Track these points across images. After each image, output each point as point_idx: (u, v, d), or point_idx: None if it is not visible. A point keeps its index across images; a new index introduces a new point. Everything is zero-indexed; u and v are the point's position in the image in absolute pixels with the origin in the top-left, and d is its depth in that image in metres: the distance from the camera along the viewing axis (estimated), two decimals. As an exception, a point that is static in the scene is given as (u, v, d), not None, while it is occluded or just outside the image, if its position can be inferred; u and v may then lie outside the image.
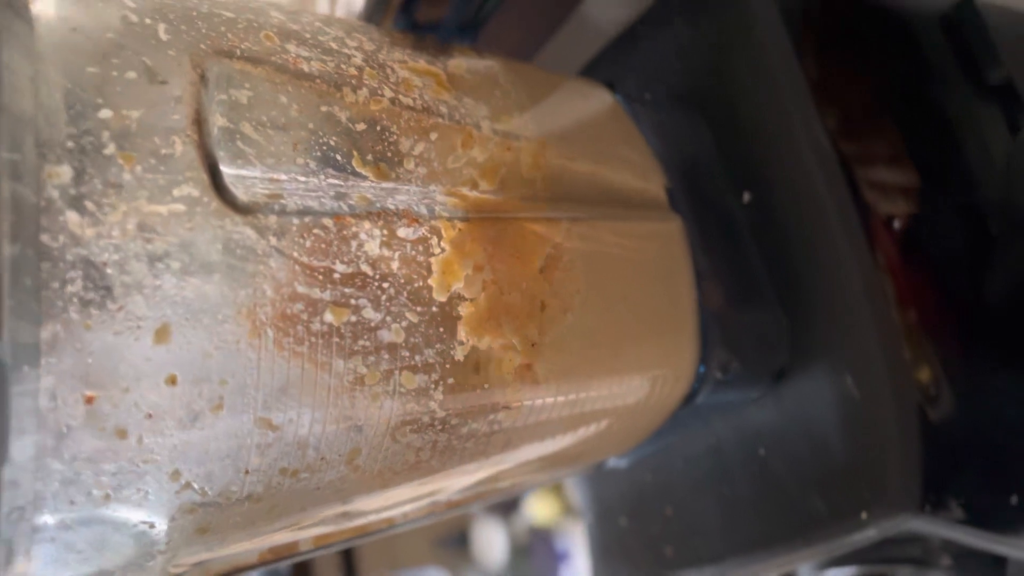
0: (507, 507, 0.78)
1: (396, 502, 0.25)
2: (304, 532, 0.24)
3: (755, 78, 0.31)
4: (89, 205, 0.17)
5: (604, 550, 0.37)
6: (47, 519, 0.18)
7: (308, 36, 0.23)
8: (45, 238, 0.17)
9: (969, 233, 0.32)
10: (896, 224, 0.32)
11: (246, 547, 0.23)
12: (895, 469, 0.26)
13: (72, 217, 0.17)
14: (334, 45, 0.23)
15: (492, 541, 0.81)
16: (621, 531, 0.36)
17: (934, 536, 0.30)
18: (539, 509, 0.75)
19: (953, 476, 0.27)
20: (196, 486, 0.20)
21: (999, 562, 0.31)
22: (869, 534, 0.27)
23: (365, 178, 0.22)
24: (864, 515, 0.27)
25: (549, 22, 0.38)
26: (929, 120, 0.36)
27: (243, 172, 0.20)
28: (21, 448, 0.16)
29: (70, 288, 0.17)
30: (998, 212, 0.33)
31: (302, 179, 0.21)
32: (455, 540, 1.01)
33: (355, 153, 0.22)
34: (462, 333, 0.22)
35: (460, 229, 0.23)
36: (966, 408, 0.28)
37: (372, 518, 0.25)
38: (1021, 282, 0.31)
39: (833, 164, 0.30)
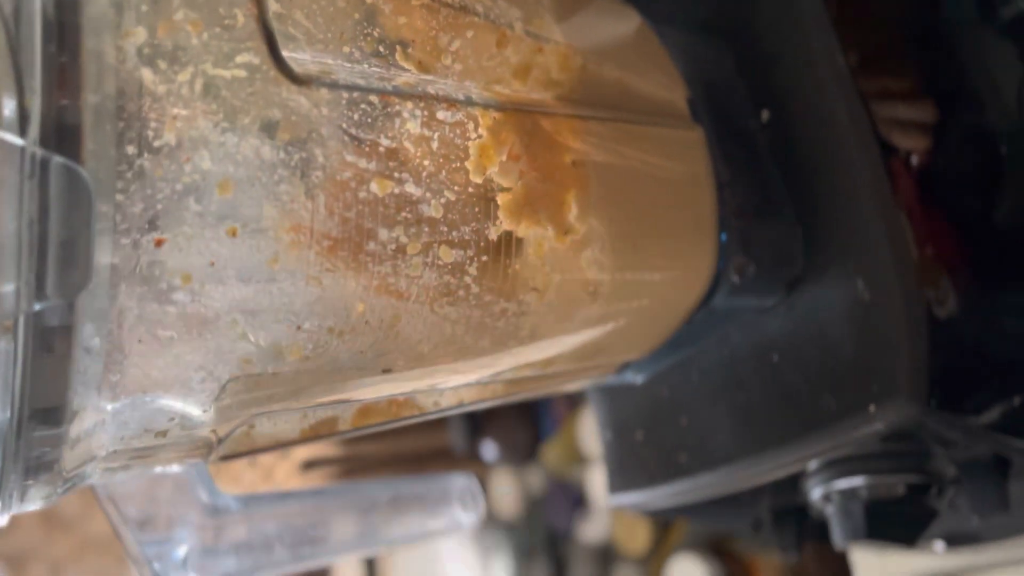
0: (522, 458, 0.80)
1: (432, 378, 0.26)
2: (347, 396, 0.25)
3: (778, 9, 0.33)
4: (161, 64, 0.19)
5: (620, 463, 0.39)
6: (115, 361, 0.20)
7: (354, -65, 0.25)
8: (122, 91, 0.18)
9: (981, 156, 0.34)
10: (912, 158, 0.33)
11: (293, 407, 0.24)
12: (902, 363, 0.28)
13: (146, 74, 0.19)
14: (378, -56, 0.25)
15: (507, 491, 0.82)
16: (637, 444, 0.38)
17: (939, 440, 0.31)
18: (553, 458, 0.76)
19: (958, 375, 0.29)
20: (252, 337, 0.21)
21: (1003, 471, 0.33)
22: (877, 427, 0.28)
23: (406, 70, 0.24)
24: (872, 408, 0.28)
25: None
26: (944, 56, 0.37)
27: (294, 55, 0.22)
28: (100, 275, 0.18)
29: (144, 139, 0.19)
30: (1008, 138, 0.34)
31: (348, 65, 0.23)
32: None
33: (397, 46, 0.24)
34: (501, 218, 0.24)
35: (496, 118, 0.24)
36: (970, 315, 0.30)
37: (408, 391, 0.27)
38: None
39: (852, 91, 0.31)
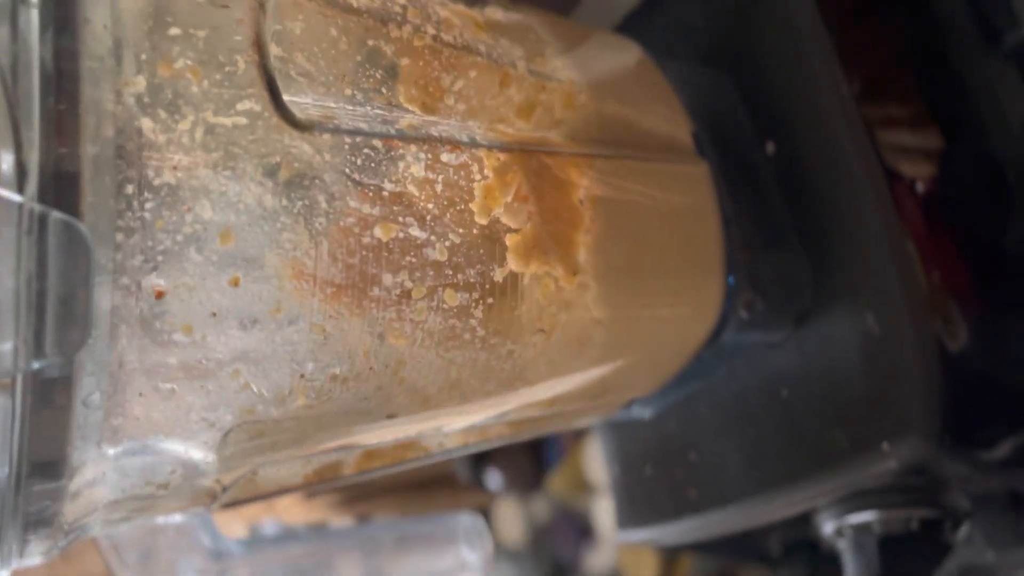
0: (527, 486, 0.79)
1: (437, 421, 0.26)
2: (351, 442, 0.25)
3: (781, 39, 0.32)
4: (161, 113, 0.19)
5: (628, 498, 0.38)
6: (114, 412, 0.19)
7: (355, -25, 0.24)
8: (122, 141, 0.18)
9: (987, 183, 0.33)
10: (918, 185, 0.33)
11: (296, 455, 0.24)
12: (915, 400, 0.27)
13: (146, 123, 0.18)
14: (379, -15, 0.25)
15: (512, 520, 0.82)
16: (646, 479, 0.37)
17: (953, 475, 0.31)
18: (559, 487, 0.76)
19: (971, 409, 0.28)
20: (254, 387, 0.21)
21: (1018, 505, 0.32)
22: (890, 464, 0.28)
23: (408, 111, 0.24)
24: (885, 445, 0.28)
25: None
26: (948, 83, 0.37)
27: (296, 99, 0.22)
28: (100, 328, 0.18)
29: (144, 189, 0.18)
30: (1015, 165, 0.34)
31: (350, 108, 0.23)
32: (475, 522, 1.02)
33: (399, 87, 0.24)
34: (510, 260, 0.23)
35: (501, 159, 0.24)
36: (981, 347, 0.29)
37: (413, 436, 0.26)
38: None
39: (857, 122, 0.31)
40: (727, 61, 0.34)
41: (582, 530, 0.74)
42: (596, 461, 0.68)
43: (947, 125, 0.35)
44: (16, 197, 0.16)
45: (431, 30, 0.25)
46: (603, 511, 0.70)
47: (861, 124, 0.31)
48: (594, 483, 0.70)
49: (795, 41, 0.31)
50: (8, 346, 0.16)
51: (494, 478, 0.79)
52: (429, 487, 0.88)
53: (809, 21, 0.32)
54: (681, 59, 0.34)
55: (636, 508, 0.38)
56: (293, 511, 0.88)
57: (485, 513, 0.93)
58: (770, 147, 0.32)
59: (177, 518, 0.30)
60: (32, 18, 0.17)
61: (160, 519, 0.26)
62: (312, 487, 0.27)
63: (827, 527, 0.35)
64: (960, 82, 0.36)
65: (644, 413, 0.36)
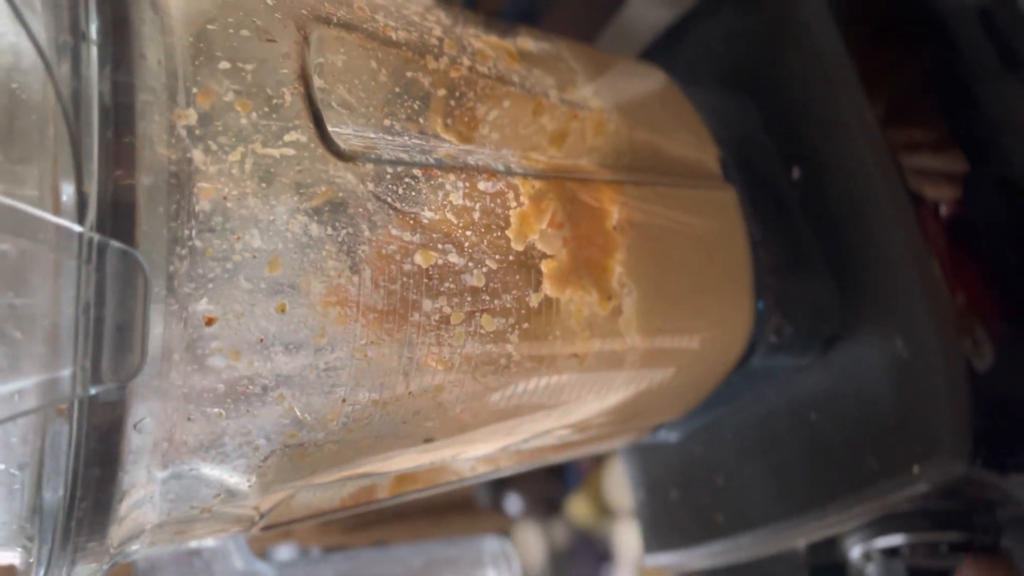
0: (546, 511, 0.79)
1: (472, 444, 0.26)
2: (388, 467, 0.25)
3: (805, 66, 0.33)
4: (212, 145, 0.19)
5: (655, 523, 0.38)
6: (164, 436, 0.20)
7: (393, 9, 0.25)
8: (174, 171, 0.19)
9: (1010, 206, 0.34)
10: (941, 208, 0.33)
11: (335, 478, 0.24)
12: (945, 422, 0.27)
13: (197, 155, 0.19)
14: (416, 18, 0.25)
15: (531, 545, 0.81)
16: (671, 503, 0.37)
17: (983, 498, 0.31)
18: (578, 512, 0.76)
19: (1001, 431, 0.28)
20: (298, 412, 0.21)
21: (1047, 528, 0.32)
22: (920, 488, 0.28)
23: (445, 140, 0.24)
24: (916, 469, 0.28)
25: (601, 15, 0.40)
26: (969, 108, 0.37)
27: (338, 130, 0.22)
28: (152, 354, 0.18)
29: (195, 218, 0.19)
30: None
31: (389, 138, 0.23)
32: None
33: (437, 118, 0.24)
34: (546, 286, 0.24)
35: (536, 187, 0.24)
36: (1008, 367, 0.29)
37: (447, 459, 0.27)
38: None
39: (882, 147, 0.31)
40: (750, 87, 0.34)
41: (602, 555, 0.73)
42: (616, 485, 0.68)
43: (969, 149, 0.36)
44: (77, 227, 0.17)
45: (467, 61, 0.25)
46: (624, 536, 0.70)
47: (886, 149, 0.31)
48: (614, 507, 0.70)
49: (819, 66, 0.32)
50: (67, 372, 0.17)
51: (514, 502, 0.79)
52: (445, 512, 0.88)
53: (832, 47, 0.32)
54: (705, 85, 0.35)
55: (662, 532, 0.38)
56: (310, 535, 0.88)
57: (506, 537, 0.93)
58: (795, 172, 0.33)
59: (210, 542, 0.30)
60: (92, 54, 0.18)
61: (196, 543, 0.26)
62: (347, 510, 0.27)
63: (854, 551, 0.35)
64: (980, 107, 0.37)
65: (670, 437, 0.37)
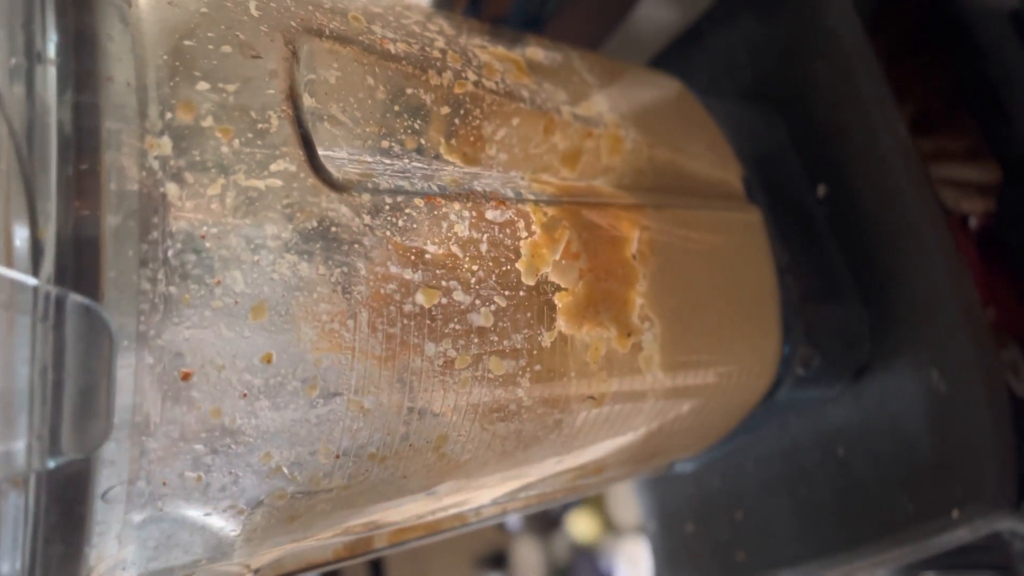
0: (547, 525, 0.77)
1: (478, 493, 0.24)
2: (386, 518, 0.23)
3: (833, 77, 0.31)
4: (188, 177, 0.17)
5: (670, 557, 0.36)
6: (136, 505, 0.18)
7: (392, 19, 0.23)
8: (145, 209, 0.16)
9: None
10: (972, 220, 0.31)
11: (329, 536, 0.22)
12: (989, 466, 0.25)
13: (172, 189, 0.17)
14: (417, 28, 0.23)
15: (531, 560, 0.79)
16: (687, 537, 0.35)
17: (1017, 541, 0.29)
18: (580, 527, 0.73)
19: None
20: (286, 471, 0.19)
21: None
22: (960, 534, 0.26)
23: (449, 163, 0.22)
24: (955, 513, 0.26)
25: (609, 19, 0.37)
26: (1001, 118, 0.35)
27: (331, 154, 0.20)
28: (122, 418, 0.16)
29: (169, 261, 0.17)
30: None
31: (387, 162, 0.21)
32: (493, 559, 1.00)
33: (440, 138, 0.22)
34: (561, 323, 0.22)
35: (549, 214, 0.22)
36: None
37: (451, 510, 0.25)
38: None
39: (915, 162, 0.29)
40: (773, 99, 0.32)
41: (604, 573, 0.71)
42: (620, 501, 0.66)
43: (1001, 158, 0.34)
44: (31, 280, 0.14)
45: (472, 76, 0.23)
46: (625, 553, 0.68)
47: (919, 166, 0.29)
48: (617, 524, 0.68)
49: (848, 79, 0.30)
50: (21, 444, 0.15)
51: (513, 517, 0.77)
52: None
53: (861, 55, 0.30)
54: (725, 96, 0.33)
55: (677, 567, 0.36)
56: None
57: (504, 553, 0.91)
58: (821, 190, 0.31)
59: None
60: (49, 76, 0.16)
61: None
62: (341, 562, 0.25)
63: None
64: (1009, 115, 0.35)
65: (685, 467, 0.34)
